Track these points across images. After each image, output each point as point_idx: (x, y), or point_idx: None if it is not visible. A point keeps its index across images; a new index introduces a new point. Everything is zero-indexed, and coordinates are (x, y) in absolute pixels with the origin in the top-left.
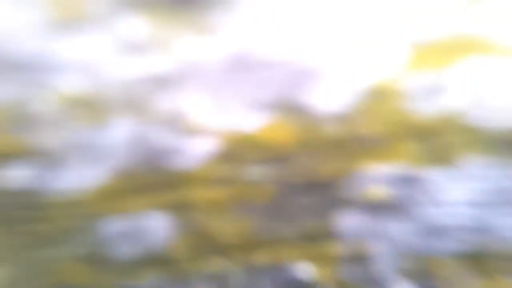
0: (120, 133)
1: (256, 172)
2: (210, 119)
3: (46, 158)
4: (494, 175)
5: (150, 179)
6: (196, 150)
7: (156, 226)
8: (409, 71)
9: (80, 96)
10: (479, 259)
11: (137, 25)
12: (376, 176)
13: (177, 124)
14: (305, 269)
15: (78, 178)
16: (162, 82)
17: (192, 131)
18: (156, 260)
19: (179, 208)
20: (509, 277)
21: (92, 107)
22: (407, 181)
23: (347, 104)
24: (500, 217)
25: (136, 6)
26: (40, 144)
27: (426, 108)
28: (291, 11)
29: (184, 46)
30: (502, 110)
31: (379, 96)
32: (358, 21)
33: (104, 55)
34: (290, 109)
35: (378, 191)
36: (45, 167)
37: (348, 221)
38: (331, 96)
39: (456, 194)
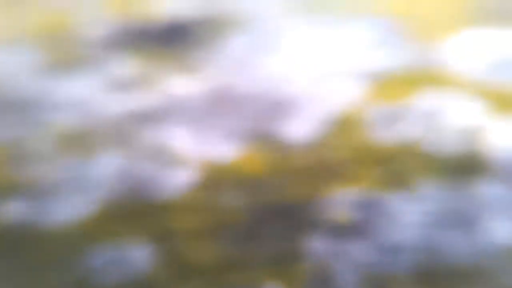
0: (107, 166)
1: (231, 199)
2: (190, 151)
3: (38, 191)
4: (445, 197)
5: (135, 209)
6: (177, 180)
7: (140, 254)
8: (370, 101)
9: (72, 132)
10: (430, 277)
11: (127, 67)
12: (340, 200)
13: (160, 156)
14: None
15: (68, 210)
16: (148, 117)
17: (173, 162)
18: (139, 286)
19: (161, 236)
20: None
21: (83, 142)
22: (368, 204)
23: (315, 133)
24: (449, 237)
25: (125, 51)
26: (33, 178)
27: (386, 136)
28: (262, 48)
29: (169, 83)
30: (454, 137)
31: (343, 125)
32: (321, 54)
33: (95, 93)
34: (263, 139)
35: (341, 214)
36: (38, 199)
37: (315, 243)
38: (300, 126)
39: (411, 215)
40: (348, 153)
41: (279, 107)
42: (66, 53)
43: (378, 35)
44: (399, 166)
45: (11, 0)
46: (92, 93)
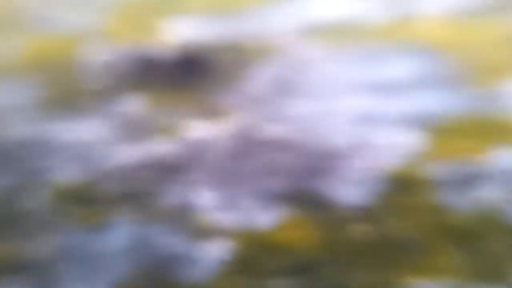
0: (119, 236)
1: (275, 286)
2: (219, 216)
3: (36, 272)
4: None
5: None
6: (207, 257)
7: None
8: (430, 156)
9: (75, 188)
10: None
11: (137, 107)
12: None
13: (184, 223)
14: None
15: None
16: (166, 170)
17: (201, 232)
18: None
19: None
20: None
21: (88, 202)
22: None
23: (370, 196)
24: None
25: (136, 86)
26: (28, 252)
27: (459, 203)
28: (291, 84)
29: (188, 128)
30: None
31: (403, 187)
32: (360, 93)
33: (103, 139)
34: (308, 202)
35: None
36: (35, 283)
37: None
38: (351, 186)
39: None
40: (416, 226)
41: (320, 159)
42: (68, 89)
43: (424, 71)
44: (486, 247)
45: (5, 24)
46: (99, 138)
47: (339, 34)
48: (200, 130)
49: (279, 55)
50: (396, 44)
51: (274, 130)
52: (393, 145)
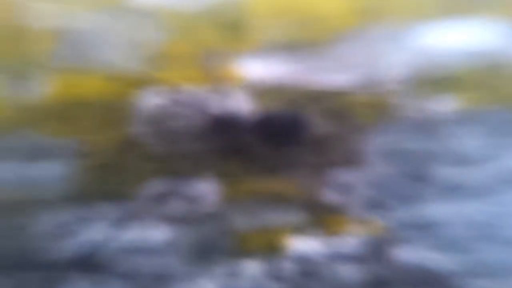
0: None
1: None
2: None
3: None
4: None
5: None
6: None
7: None
8: None
9: None
10: None
11: (210, 197)
12: None
13: None
14: None
15: None
16: None
17: None
18: None
19: None
20: None
21: None
22: None
23: None
24: None
25: (203, 160)
26: None
27: None
28: (443, 174)
29: (288, 241)
30: None
31: None
32: None
33: (177, 263)
34: None
35: None
36: None
37: None
38: None
39: None
40: None
41: None
42: (112, 164)
43: None
44: None
45: (27, 63)
46: (166, 257)
47: (478, 82)
48: (308, 245)
49: (397, 114)
50: None
51: (421, 252)
52: None
